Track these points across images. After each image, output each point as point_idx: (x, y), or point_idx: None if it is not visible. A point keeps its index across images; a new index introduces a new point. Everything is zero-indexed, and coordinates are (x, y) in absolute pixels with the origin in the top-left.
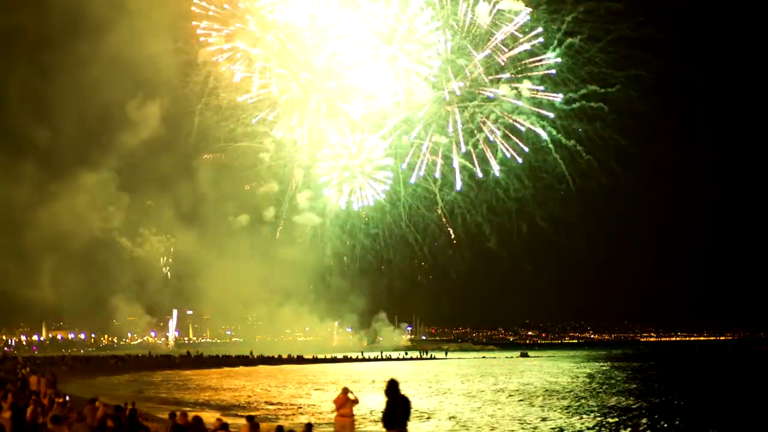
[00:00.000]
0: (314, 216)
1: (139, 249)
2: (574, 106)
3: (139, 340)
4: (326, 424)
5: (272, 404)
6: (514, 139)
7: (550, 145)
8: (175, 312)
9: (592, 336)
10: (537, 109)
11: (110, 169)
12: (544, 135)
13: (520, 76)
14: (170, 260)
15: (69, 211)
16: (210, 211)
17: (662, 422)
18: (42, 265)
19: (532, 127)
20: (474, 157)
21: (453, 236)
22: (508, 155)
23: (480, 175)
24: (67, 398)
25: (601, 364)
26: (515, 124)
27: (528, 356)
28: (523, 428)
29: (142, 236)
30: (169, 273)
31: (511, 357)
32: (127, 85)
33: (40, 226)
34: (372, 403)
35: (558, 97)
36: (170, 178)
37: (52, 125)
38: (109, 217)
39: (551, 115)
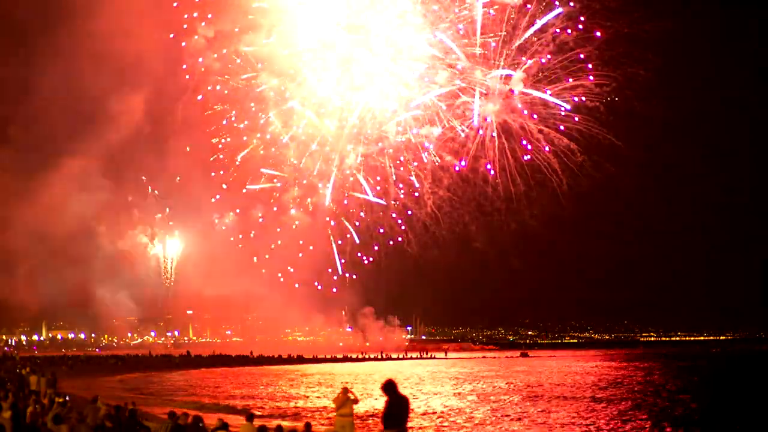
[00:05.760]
0: (304, 214)
1: (137, 248)
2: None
3: (140, 340)
4: (326, 424)
5: (272, 402)
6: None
7: (543, 143)
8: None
9: (592, 336)
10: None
11: (98, 163)
12: (536, 132)
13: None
14: (169, 260)
15: (60, 207)
16: (199, 209)
17: None
18: (38, 265)
19: (524, 123)
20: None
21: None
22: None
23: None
24: (67, 398)
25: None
26: (507, 120)
27: (528, 356)
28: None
29: (140, 236)
30: (167, 273)
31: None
32: (111, 75)
33: (31, 225)
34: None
35: (555, 99)
36: (157, 173)
37: (37, 117)
38: (103, 215)
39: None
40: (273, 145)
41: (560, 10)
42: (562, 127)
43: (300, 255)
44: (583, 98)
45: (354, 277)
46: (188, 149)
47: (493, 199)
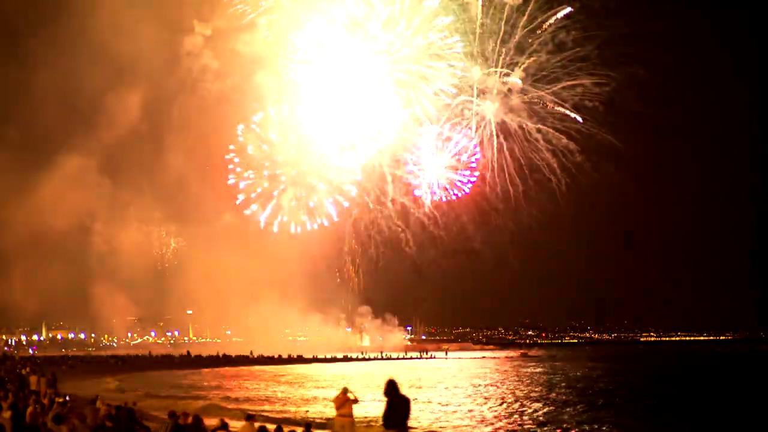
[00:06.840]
0: (303, 215)
1: (136, 248)
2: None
3: (139, 340)
4: (326, 424)
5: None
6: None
7: (542, 142)
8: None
9: (592, 336)
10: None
11: (95, 162)
12: (534, 131)
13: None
14: (167, 259)
15: (57, 206)
16: (195, 208)
17: None
18: (37, 265)
19: (523, 123)
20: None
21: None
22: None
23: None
24: (67, 398)
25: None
26: (505, 120)
27: (528, 356)
28: None
29: (138, 235)
30: (166, 272)
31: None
32: (108, 73)
33: (29, 225)
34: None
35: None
36: (152, 172)
37: (33, 116)
38: (102, 214)
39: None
40: (271, 146)
41: (569, 9)
42: (559, 125)
43: (298, 255)
44: (581, 96)
45: (352, 277)
46: (186, 148)
47: (492, 199)
